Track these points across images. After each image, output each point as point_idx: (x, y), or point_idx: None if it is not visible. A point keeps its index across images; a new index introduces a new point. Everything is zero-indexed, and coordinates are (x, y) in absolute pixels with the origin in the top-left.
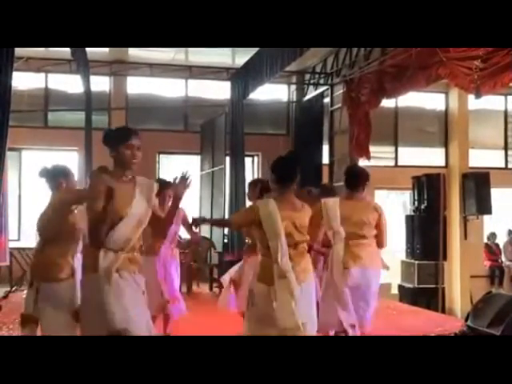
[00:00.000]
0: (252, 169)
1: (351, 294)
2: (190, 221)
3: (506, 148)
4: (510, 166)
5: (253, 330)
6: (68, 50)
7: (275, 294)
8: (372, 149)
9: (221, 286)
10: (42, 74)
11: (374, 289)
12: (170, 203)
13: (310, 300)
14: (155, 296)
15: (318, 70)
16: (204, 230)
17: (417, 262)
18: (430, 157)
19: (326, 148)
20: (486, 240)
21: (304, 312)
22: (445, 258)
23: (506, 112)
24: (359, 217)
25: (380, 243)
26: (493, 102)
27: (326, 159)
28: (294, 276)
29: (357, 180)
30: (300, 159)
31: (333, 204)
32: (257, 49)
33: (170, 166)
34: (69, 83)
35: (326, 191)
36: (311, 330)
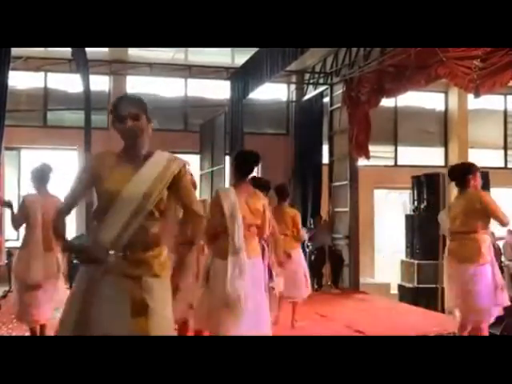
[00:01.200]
0: None
1: None
2: None
3: (505, 148)
4: (509, 165)
5: (210, 309)
6: (67, 49)
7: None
8: (371, 148)
9: None
10: (42, 74)
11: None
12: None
13: (258, 273)
14: (182, 298)
15: (317, 69)
16: None
17: (416, 261)
18: (430, 156)
19: (325, 148)
20: None
21: (251, 283)
22: None
23: (505, 112)
24: (458, 212)
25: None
26: (492, 102)
27: (325, 159)
28: (245, 253)
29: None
30: (259, 157)
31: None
32: (256, 48)
33: None
34: (68, 82)
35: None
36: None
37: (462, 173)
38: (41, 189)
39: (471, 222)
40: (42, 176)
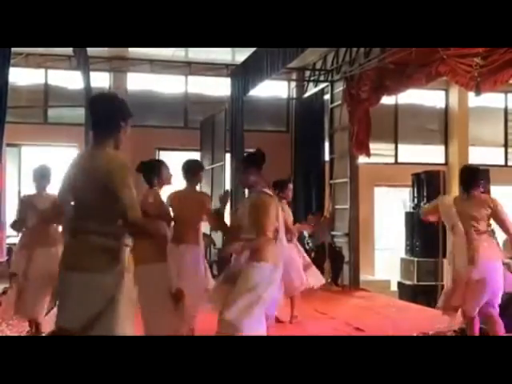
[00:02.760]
0: None
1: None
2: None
3: (505, 145)
4: (509, 163)
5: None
6: None
7: None
8: (372, 146)
9: None
10: (42, 70)
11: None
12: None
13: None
14: (196, 290)
15: (318, 66)
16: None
17: (416, 259)
18: (430, 154)
19: (326, 145)
20: None
21: None
22: (444, 255)
23: (506, 109)
24: (471, 213)
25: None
26: (493, 100)
27: (326, 156)
28: None
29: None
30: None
31: (448, 202)
32: None
33: (170, 163)
34: (69, 79)
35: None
36: None
37: (474, 176)
38: (41, 188)
39: (479, 224)
40: (43, 175)
